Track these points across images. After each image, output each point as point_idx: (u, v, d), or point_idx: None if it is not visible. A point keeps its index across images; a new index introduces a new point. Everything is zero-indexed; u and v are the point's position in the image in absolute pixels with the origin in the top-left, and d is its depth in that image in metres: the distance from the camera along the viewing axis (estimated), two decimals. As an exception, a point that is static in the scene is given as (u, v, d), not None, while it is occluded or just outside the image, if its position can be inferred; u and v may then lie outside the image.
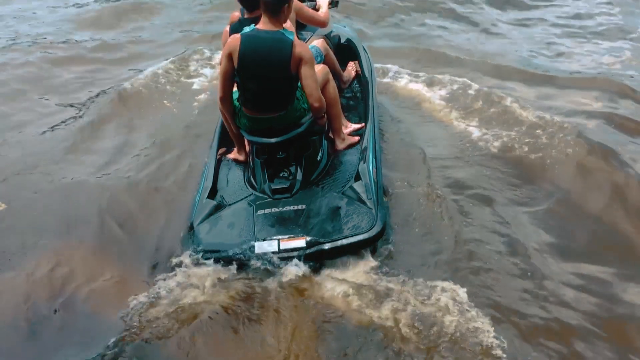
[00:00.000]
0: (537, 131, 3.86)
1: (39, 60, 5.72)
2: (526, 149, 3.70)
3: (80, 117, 4.58)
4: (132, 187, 3.55)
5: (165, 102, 4.81)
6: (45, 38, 6.42)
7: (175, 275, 2.73)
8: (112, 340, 2.39)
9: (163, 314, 2.50)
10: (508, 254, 2.82)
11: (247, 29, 2.81)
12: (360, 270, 2.68)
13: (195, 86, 5.09)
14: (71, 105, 4.81)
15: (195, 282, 2.67)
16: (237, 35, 2.79)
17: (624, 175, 3.37)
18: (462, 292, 2.49)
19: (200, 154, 3.67)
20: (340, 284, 2.59)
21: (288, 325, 2.44)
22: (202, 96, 4.85)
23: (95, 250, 2.99)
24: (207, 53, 5.67)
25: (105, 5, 7.65)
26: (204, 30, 6.63)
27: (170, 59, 5.54)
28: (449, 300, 2.45)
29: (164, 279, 2.71)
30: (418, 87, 4.79)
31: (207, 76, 5.25)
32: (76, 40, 6.37)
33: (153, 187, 3.55)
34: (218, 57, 5.03)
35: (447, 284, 2.54)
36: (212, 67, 5.39)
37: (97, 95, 4.98)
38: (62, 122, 4.48)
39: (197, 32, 6.59)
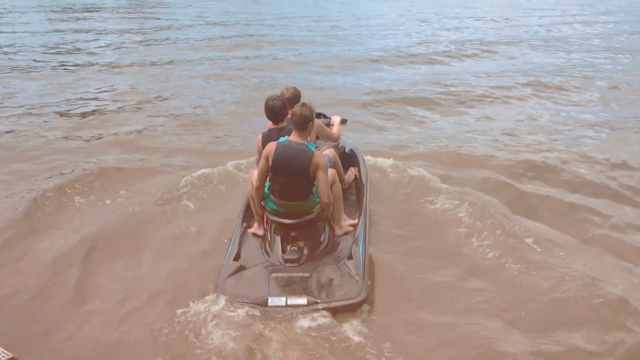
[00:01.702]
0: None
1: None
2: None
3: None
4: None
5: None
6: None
7: (204, 319, 3.53)
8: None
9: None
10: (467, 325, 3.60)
11: (282, 139, 3.86)
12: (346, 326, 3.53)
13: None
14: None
15: (220, 324, 3.48)
16: (274, 143, 3.85)
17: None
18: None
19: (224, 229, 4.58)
20: (329, 335, 3.44)
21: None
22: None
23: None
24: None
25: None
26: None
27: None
28: None
29: (195, 321, 3.52)
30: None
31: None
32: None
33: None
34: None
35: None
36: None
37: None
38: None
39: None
